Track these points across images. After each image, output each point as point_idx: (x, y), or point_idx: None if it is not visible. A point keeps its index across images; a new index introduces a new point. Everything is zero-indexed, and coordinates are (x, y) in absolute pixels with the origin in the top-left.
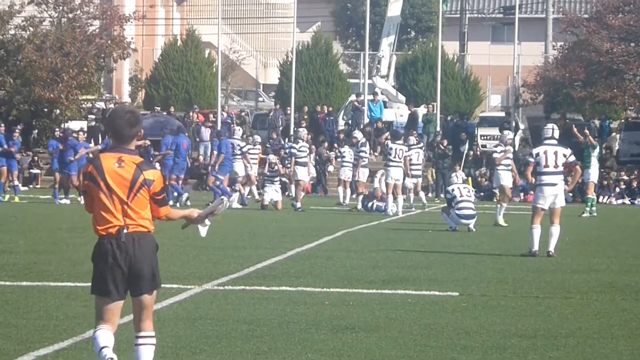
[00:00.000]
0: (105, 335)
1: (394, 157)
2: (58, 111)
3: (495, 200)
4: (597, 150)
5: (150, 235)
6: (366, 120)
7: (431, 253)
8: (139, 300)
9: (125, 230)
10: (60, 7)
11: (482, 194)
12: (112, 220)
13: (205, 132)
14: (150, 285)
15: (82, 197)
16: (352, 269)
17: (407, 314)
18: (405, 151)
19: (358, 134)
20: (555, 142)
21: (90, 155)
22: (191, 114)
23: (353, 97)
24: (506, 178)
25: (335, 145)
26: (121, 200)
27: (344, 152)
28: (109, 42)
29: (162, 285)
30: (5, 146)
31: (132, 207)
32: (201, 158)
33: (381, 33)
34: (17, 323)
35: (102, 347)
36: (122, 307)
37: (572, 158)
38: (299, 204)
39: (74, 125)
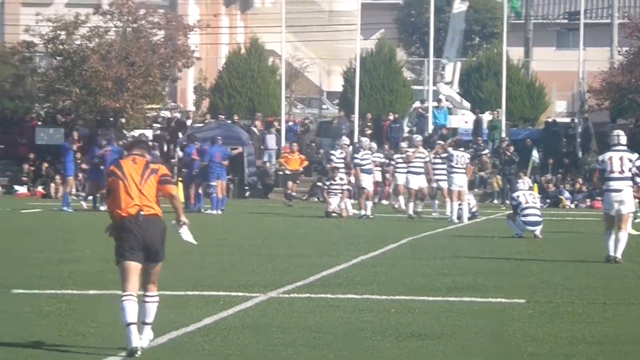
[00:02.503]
0: (131, 307)
1: (456, 163)
2: (123, 120)
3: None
4: None
5: (161, 218)
6: (430, 127)
7: (497, 260)
8: (148, 267)
9: (142, 212)
10: (125, 17)
11: (548, 200)
12: (131, 203)
13: (270, 140)
14: (158, 257)
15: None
16: (417, 276)
17: (473, 322)
18: (468, 158)
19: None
20: (622, 147)
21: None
22: (255, 122)
23: (417, 104)
24: None
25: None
26: (137, 187)
27: (398, 159)
28: (174, 51)
29: (228, 294)
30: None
31: (144, 192)
32: (268, 165)
33: (445, 39)
34: (85, 331)
35: (130, 324)
36: (140, 271)
37: (639, 162)
38: (363, 212)
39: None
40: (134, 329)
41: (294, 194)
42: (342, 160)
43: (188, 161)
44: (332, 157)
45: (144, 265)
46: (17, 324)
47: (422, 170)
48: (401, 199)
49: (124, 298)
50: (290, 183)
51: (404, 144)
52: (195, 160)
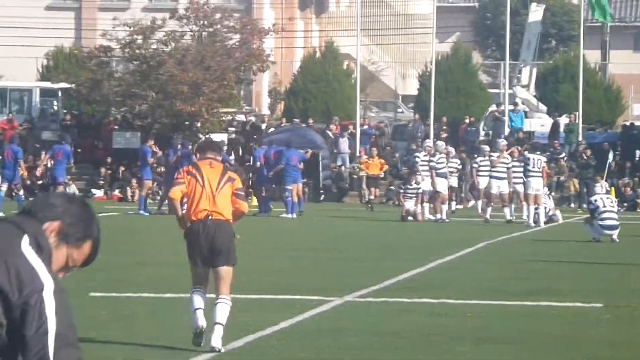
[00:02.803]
0: (199, 298)
1: (533, 167)
2: (198, 124)
3: None
4: None
5: (229, 223)
6: (507, 130)
7: (574, 264)
8: (217, 271)
9: (210, 217)
10: (201, 22)
11: (625, 204)
12: (202, 208)
13: (343, 143)
14: (226, 260)
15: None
16: (493, 280)
17: (550, 326)
18: (544, 161)
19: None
20: None
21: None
22: (331, 125)
23: (493, 107)
24: None
25: (475, 156)
26: (211, 193)
27: (481, 162)
28: (249, 55)
29: (304, 297)
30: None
31: (217, 199)
32: (343, 169)
33: (521, 42)
34: (162, 335)
35: (196, 309)
36: (208, 273)
37: None
38: (439, 215)
39: (215, 137)
40: (200, 313)
41: (373, 198)
42: (426, 163)
43: (257, 165)
44: (417, 159)
45: (215, 269)
46: (95, 327)
47: (504, 175)
48: (479, 203)
49: (192, 290)
50: (371, 188)
51: (486, 148)
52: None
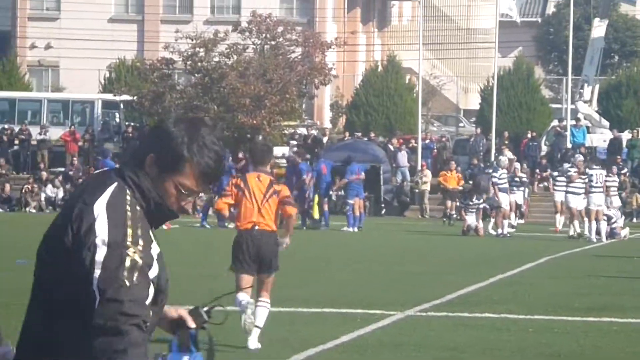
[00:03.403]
0: (243, 296)
1: (595, 182)
2: (260, 137)
3: None
4: None
5: (274, 233)
6: (569, 145)
7: (637, 280)
8: (261, 277)
9: (256, 227)
10: (263, 35)
11: None
12: (249, 219)
13: (402, 157)
14: (270, 268)
15: None
16: (555, 295)
17: (613, 342)
18: (605, 176)
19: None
20: None
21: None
22: (393, 139)
23: (555, 123)
24: None
25: (537, 171)
26: (257, 204)
27: (558, 177)
28: (311, 68)
29: (365, 311)
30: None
31: (262, 211)
32: (405, 183)
33: (584, 57)
34: (222, 348)
35: (241, 300)
36: (253, 281)
37: None
38: (500, 230)
39: (277, 151)
40: (244, 296)
41: (453, 212)
42: (505, 180)
43: (317, 177)
44: (494, 179)
45: (258, 275)
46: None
47: (582, 190)
48: (558, 217)
49: (237, 293)
50: (449, 202)
51: (566, 164)
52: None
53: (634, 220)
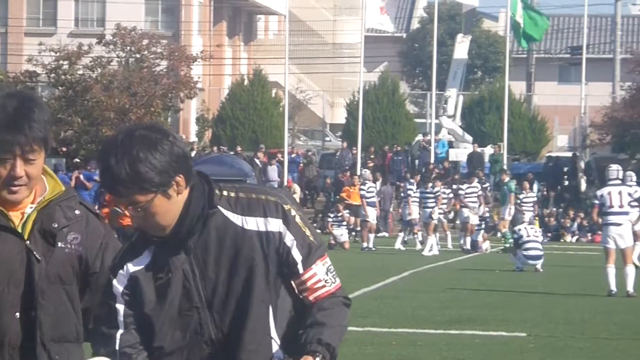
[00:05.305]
0: None
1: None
2: None
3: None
4: None
5: None
6: (432, 160)
7: (498, 293)
8: None
9: None
10: (128, 47)
11: (549, 234)
12: None
13: (272, 172)
14: None
15: None
16: (419, 309)
17: (475, 355)
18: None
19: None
20: (619, 182)
21: None
22: (258, 153)
23: (420, 137)
24: None
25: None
26: None
27: (409, 190)
28: (176, 82)
29: None
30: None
31: None
32: None
33: (448, 73)
34: None
35: None
36: None
37: (637, 195)
38: (365, 244)
39: None
40: None
41: (358, 228)
42: (373, 194)
43: None
44: (362, 192)
45: None
46: None
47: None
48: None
49: None
50: (352, 218)
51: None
52: None
53: (498, 234)
